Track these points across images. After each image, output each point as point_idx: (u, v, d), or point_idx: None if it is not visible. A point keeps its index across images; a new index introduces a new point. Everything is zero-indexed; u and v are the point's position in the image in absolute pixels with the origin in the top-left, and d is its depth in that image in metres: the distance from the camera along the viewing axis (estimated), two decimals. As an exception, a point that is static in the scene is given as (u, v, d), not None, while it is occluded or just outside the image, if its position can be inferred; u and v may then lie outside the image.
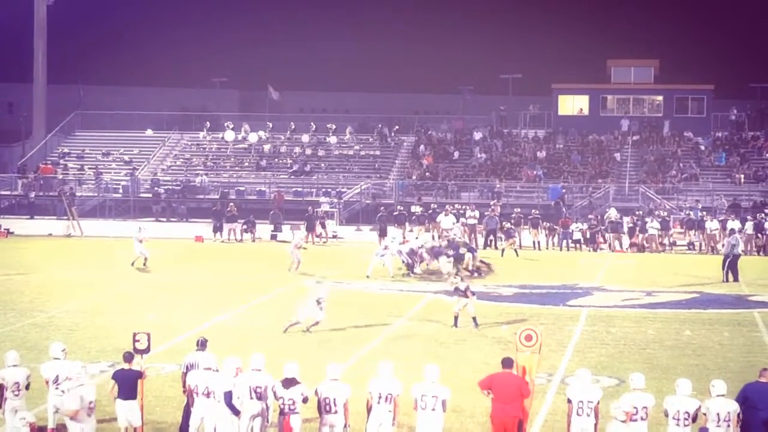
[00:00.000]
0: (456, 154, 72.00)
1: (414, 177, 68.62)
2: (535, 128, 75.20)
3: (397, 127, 76.01)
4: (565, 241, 52.94)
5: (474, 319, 29.63)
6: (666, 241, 53.27)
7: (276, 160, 72.92)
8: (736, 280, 40.33)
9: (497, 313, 32.48)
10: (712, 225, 52.55)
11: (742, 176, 66.16)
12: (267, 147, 74.02)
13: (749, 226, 52.17)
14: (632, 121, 73.70)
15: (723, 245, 44.64)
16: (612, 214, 55.56)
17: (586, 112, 76.25)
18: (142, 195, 69.19)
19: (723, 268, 40.90)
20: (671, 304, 34.99)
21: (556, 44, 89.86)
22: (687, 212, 57.06)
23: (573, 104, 77.03)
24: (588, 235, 53.17)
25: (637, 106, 76.05)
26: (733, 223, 51.17)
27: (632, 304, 34.60)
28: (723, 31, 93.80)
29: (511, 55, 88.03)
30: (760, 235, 52.35)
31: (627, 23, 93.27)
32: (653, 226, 53.42)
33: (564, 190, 64.32)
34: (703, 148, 70.60)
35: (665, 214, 55.97)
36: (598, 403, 17.31)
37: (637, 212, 56.48)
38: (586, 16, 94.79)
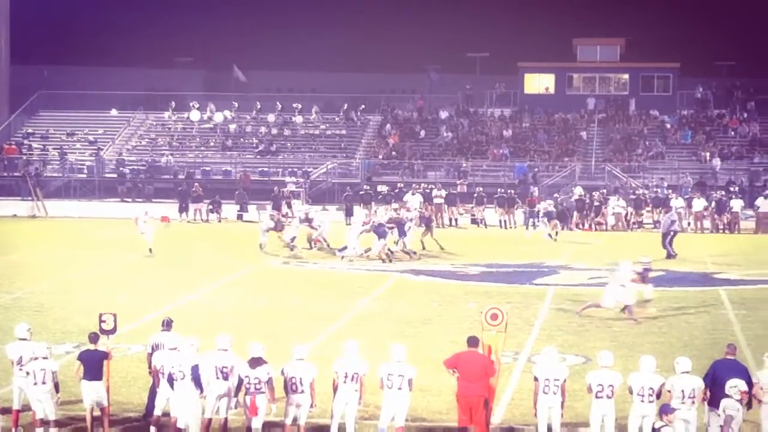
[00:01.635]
0: (422, 134, 71.97)
1: (380, 156, 68.55)
2: (502, 107, 75.22)
3: (363, 106, 75.82)
4: (531, 220, 53.03)
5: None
6: (633, 219, 53.49)
7: (242, 140, 72.66)
8: (670, 256, 40.54)
9: (464, 291, 32.52)
10: (677, 203, 52.73)
11: (708, 154, 66.41)
12: (233, 127, 73.71)
13: (701, 203, 52.75)
14: (598, 100, 73.83)
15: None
16: (578, 192, 55.71)
17: (552, 90, 76.30)
18: (107, 175, 68.76)
19: (663, 245, 41.19)
20: (637, 282, 35.09)
21: (522, 23, 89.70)
22: (654, 190, 57.27)
23: (539, 83, 77.07)
24: (555, 215, 53.25)
25: (603, 84, 76.18)
26: (676, 201, 51.67)
27: (598, 282, 34.67)
28: (688, 9, 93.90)
29: (478, 34, 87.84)
30: (725, 214, 52.70)
31: (592, 2, 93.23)
32: (619, 204, 53.62)
33: (530, 169, 64.40)
34: (669, 126, 70.83)
35: (640, 192, 56.26)
36: (565, 381, 17.37)
37: (602, 191, 56.63)
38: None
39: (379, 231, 39.57)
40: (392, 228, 40.35)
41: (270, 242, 41.90)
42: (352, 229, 41.21)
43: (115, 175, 68.14)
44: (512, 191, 56.79)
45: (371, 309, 29.75)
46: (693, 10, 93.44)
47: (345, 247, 39.91)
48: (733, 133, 69.87)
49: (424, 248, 42.30)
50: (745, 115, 71.35)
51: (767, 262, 40.10)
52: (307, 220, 42.95)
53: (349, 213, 52.17)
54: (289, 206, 54.23)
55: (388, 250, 39.52)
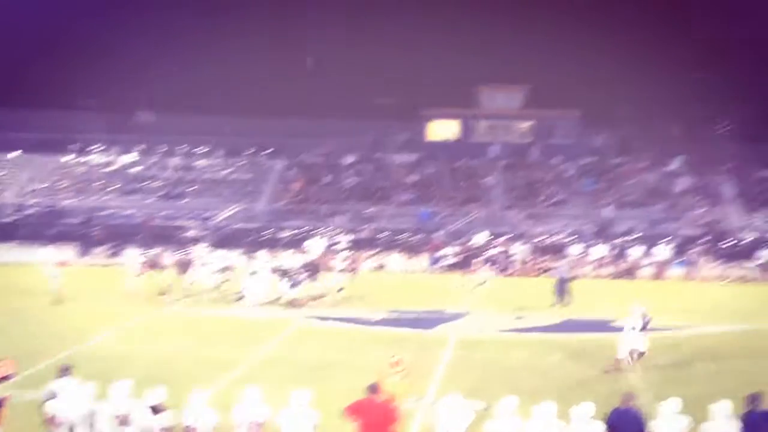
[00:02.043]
0: (327, 179, 71.97)
1: (285, 201, 68.37)
2: (406, 153, 75.52)
3: (268, 150, 75.66)
4: (435, 266, 53.21)
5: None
6: (537, 265, 53.92)
7: (145, 183, 72.01)
8: (561, 302, 40.96)
9: (366, 337, 32.45)
10: (577, 250, 53.28)
11: (609, 202, 67.21)
12: (136, 170, 73.08)
13: (601, 250, 53.37)
14: (501, 147, 74.49)
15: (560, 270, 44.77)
16: (481, 238, 56.04)
17: (456, 137, 76.85)
18: (6, 219, 67.64)
19: (557, 291, 41.62)
20: (539, 328, 35.32)
21: (426, 70, 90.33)
22: (555, 237, 57.82)
23: (443, 129, 77.60)
24: (458, 260, 53.51)
25: (507, 131, 76.92)
26: (576, 248, 52.28)
27: (501, 328, 34.83)
28: (591, 57, 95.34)
29: (383, 80, 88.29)
30: (625, 261, 53.38)
31: (497, 49, 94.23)
32: (522, 250, 54.05)
33: (434, 215, 64.65)
34: (570, 173, 71.65)
35: (543, 238, 56.85)
36: (467, 428, 17.35)
37: (507, 237, 57.05)
38: (456, 42, 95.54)
39: (293, 278, 39.55)
40: (308, 273, 40.35)
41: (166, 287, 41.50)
42: (258, 275, 40.99)
43: (14, 218, 67.06)
44: (416, 237, 56.97)
45: (273, 354, 29.55)
46: (596, 59, 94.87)
47: (242, 294, 39.69)
48: (633, 181, 70.83)
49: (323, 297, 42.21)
50: (645, 163, 72.43)
51: (665, 309, 40.54)
52: (227, 269, 42.84)
53: (251, 258, 51.88)
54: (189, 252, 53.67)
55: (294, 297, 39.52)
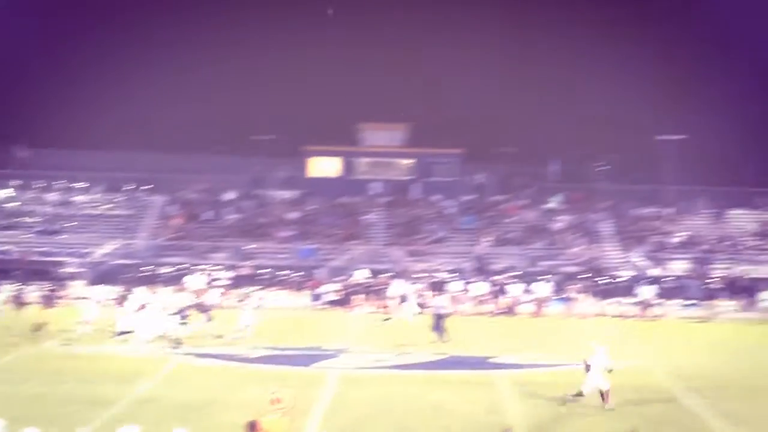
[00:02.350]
0: (207, 215, 71.45)
1: (164, 237, 67.68)
2: (287, 189, 75.35)
3: (148, 186, 74.91)
4: (316, 302, 53.07)
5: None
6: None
7: (22, 219, 70.71)
8: (440, 339, 41.17)
9: (243, 374, 32.16)
10: (457, 287, 53.55)
11: (488, 239, 67.77)
12: (12, 205, 71.74)
13: (481, 288, 53.78)
14: (383, 184, 74.74)
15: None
16: (361, 275, 56.05)
17: (337, 174, 76.88)
18: None
19: (434, 328, 41.80)
20: (419, 365, 35.37)
21: (307, 106, 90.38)
22: (436, 274, 58.08)
23: (324, 166, 77.57)
24: (339, 296, 53.45)
25: (388, 168, 77.17)
26: (456, 285, 52.66)
27: (381, 365, 34.81)
28: (471, 96, 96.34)
29: (264, 116, 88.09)
30: (504, 298, 53.79)
31: (378, 86, 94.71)
32: (403, 288, 54.13)
33: (315, 252, 64.54)
34: (451, 211, 72.12)
35: (423, 275, 57.01)
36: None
37: (386, 274, 57.16)
38: (338, 79, 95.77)
39: (183, 315, 39.13)
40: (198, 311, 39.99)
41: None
42: (147, 311, 40.33)
43: None
44: (297, 273, 56.78)
45: (152, 393, 29.13)
46: (476, 97, 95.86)
47: (127, 332, 39.06)
48: (513, 219, 71.56)
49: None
50: (525, 201, 73.30)
51: (544, 345, 40.95)
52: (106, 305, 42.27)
53: (129, 294, 51.16)
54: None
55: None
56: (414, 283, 55.51)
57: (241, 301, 49.65)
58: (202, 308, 43.43)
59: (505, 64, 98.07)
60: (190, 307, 41.34)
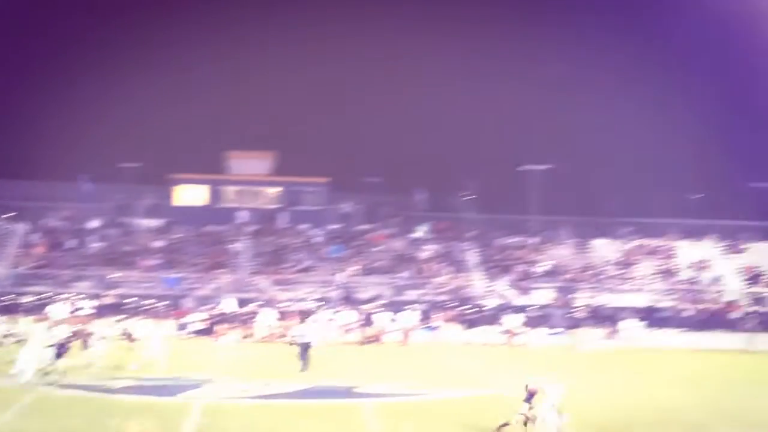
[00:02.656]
0: (70, 243, 70.23)
1: (26, 266, 66.32)
2: (153, 217, 74.50)
3: (9, 214, 73.35)
4: (182, 332, 52.52)
5: None
6: (281, 331, 53.78)
7: None
8: (305, 368, 41.06)
9: (107, 405, 31.56)
10: (325, 316, 53.47)
11: (356, 268, 67.85)
12: None
13: (348, 317, 53.85)
14: (250, 213, 74.38)
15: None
16: (228, 305, 55.62)
17: (203, 202, 76.26)
18: None
19: (300, 357, 41.68)
20: (285, 395, 35.14)
21: (174, 134, 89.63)
22: (303, 303, 57.92)
23: (191, 194, 76.87)
24: (205, 326, 52.98)
25: (255, 197, 76.82)
26: (323, 314, 52.68)
27: (246, 395, 34.50)
28: (338, 125, 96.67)
29: (130, 144, 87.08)
30: (371, 327, 53.86)
31: (245, 115, 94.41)
32: (269, 316, 53.88)
33: (180, 281, 63.88)
34: (318, 240, 72.05)
35: (289, 304, 56.83)
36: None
37: (253, 303, 56.83)
38: (205, 107, 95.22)
39: (61, 348, 38.19)
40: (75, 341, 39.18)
41: None
42: (29, 344, 38.93)
43: None
44: (162, 302, 56.09)
45: (11, 425, 28.39)
46: (341, 126, 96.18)
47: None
48: (380, 247, 71.77)
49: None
50: (391, 230, 73.60)
51: (411, 375, 41.01)
52: None
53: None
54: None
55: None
56: (280, 312, 55.27)
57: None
58: (79, 337, 42.61)
59: (370, 94, 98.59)
60: (70, 338, 40.25)
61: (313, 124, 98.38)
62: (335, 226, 74.57)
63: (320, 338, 45.20)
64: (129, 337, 43.48)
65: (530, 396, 28.43)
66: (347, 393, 36.28)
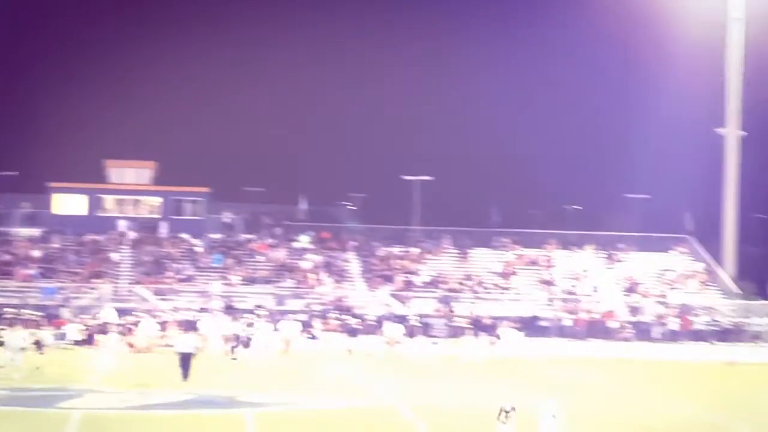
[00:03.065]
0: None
1: None
2: (30, 227, 73.27)
3: None
4: (60, 341, 51.79)
5: None
6: (161, 341, 53.33)
7: None
8: (186, 378, 40.83)
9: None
10: (207, 325, 53.16)
11: (237, 278, 67.60)
12: None
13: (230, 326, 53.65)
14: (130, 222, 73.61)
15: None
16: (108, 314, 54.99)
17: (83, 211, 75.23)
18: None
19: (181, 366, 41.43)
20: (165, 405, 34.80)
21: (52, 143, 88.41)
22: (184, 312, 57.50)
23: (70, 203, 75.79)
24: (84, 335, 52.31)
25: (135, 206, 76.07)
26: (206, 323, 52.48)
27: (126, 405, 34.11)
28: (217, 134, 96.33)
29: (6, 152, 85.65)
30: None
31: (125, 124, 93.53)
32: (152, 326, 53.41)
33: (59, 290, 62.97)
34: (199, 249, 71.58)
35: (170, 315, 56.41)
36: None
37: (133, 313, 56.31)
38: (84, 115, 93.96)
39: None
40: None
41: None
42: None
43: None
44: (40, 312, 55.19)
45: None
46: (222, 136, 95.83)
47: None
48: (261, 257, 71.56)
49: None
50: (273, 240, 73.45)
51: (293, 384, 40.91)
52: None
53: None
54: None
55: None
56: (159, 321, 54.76)
57: None
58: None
59: (252, 104, 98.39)
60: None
61: (193, 134, 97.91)
62: (216, 236, 74.17)
63: (202, 347, 44.85)
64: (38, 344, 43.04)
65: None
66: (228, 403, 36.06)
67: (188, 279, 67.41)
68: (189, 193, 76.23)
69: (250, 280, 67.74)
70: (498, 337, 56.69)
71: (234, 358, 49.14)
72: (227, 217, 75.96)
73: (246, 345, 50.39)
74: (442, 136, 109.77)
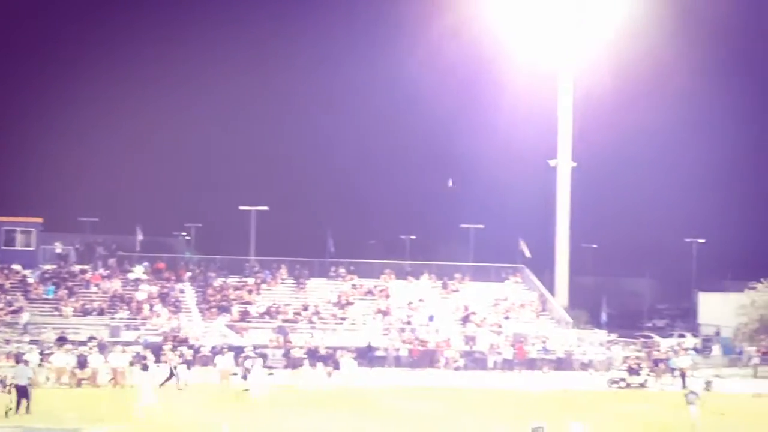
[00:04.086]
0: None
1: None
2: None
3: None
4: None
5: None
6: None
7: None
8: (19, 411, 40.06)
9: None
10: (34, 357, 52.15)
11: (70, 309, 66.40)
12: None
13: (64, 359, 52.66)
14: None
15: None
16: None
17: None
18: None
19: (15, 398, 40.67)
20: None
21: None
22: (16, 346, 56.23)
23: None
24: None
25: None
26: (34, 356, 51.44)
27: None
28: (51, 165, 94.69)
29: None
30: (88, 369, 52.71)
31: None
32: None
33: None
34: (31, 281, 70.10)
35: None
36: None
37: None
38: None
39: None
40: None
41: None
42: None
43: None
44: None
45: None
46: (55, 166, 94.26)
47: None
48: (95, 288, 70.41)
49: None
50: (107, 271, 72.37)
51: (125, 416, 40.17)
52: None
53: None
54: None
55: None
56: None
57: None
58: None
59: (85, 133, 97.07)
60: None
61: (25, 163, 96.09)
62: (49, 267, 72.72)
63: (36, 380, 43.90)
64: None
65: None
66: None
67: (19, 311, 65.84)
68: (20, 224, 74.60)
69: (83, 312, 66.59)
70: (335, 367, 56.73)
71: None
72: (60, 247, 74.53)
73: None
74: (279, 166, 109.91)
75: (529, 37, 76.52)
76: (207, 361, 57.23)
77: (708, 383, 41.67)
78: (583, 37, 76.34)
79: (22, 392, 40.70)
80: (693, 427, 38.05)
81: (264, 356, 60.74)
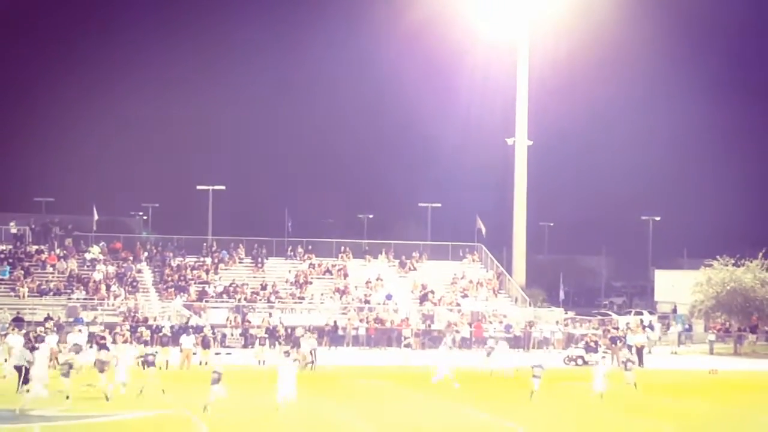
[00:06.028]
0: None
1: None
2: None
3: None
4: None
5: None
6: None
7: None
8: None
9: None
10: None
11: (26, 290, 66.00)
12: None
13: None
14: None
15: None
16: None
17: None
18: None
19: None
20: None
21: None
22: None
23: None
24: None
25: None
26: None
27: None
28: (5, 144, 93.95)
29: None
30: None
31: None
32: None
33: None
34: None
35: None
36: None
37: None
38: None
39: None
40: None
41: None
42: None
43: None
44: None
45: None
46: (9, 146, 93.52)
47: None
48: (51, 268, 70.00)
49: None
50: (64, 251, 71.92)
51: (83, 396, 39.97)
52: None
53: None
54: None
55: None
56: None
57: None
58: None
59: (40, 112, 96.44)
60: None
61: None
62: (3, 247, 72.19)
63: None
64: None
65: None
66: (18, 418, 35.22)
67: (-26, 291, 65.50)
68: (-27, 204, 74.16)
69: (40, 292, 66.22)
70: (295, 346, 56.65)
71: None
72: (15, 227, 73.95)
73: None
74: (236, 145, 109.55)
75: (486, 14, 76.44)
76: (166, 341, 56.97)
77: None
78: (540, 12, 76.23)
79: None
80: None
81: (222, 336, 60.76)
